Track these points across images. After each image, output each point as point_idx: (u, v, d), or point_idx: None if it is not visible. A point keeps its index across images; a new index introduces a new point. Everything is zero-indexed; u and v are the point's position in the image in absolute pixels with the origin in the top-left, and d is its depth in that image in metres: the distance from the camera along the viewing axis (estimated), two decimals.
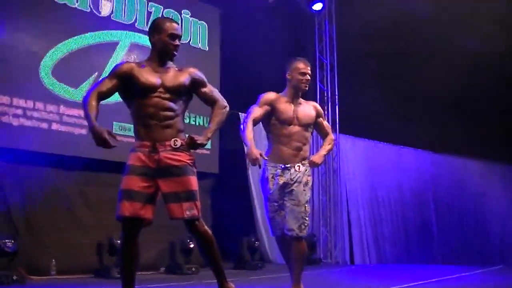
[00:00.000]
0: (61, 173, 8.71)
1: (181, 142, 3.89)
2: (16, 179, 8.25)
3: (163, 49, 4.00)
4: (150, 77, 3.90)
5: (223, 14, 11.44)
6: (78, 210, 8.82)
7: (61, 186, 8.68)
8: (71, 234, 8.61)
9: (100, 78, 4.04)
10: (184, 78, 4.00)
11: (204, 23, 11.13)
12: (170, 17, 4.26)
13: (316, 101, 12.44)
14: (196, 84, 4.08)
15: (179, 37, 4.05)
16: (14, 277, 7.00)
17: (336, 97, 13.36)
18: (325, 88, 13.36)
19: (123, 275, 3.92)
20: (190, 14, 10.85)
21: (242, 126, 4.83)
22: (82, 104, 3.87)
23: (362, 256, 13.23)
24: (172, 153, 3.84)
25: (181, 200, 3.79)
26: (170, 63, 4.08)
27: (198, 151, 10.24)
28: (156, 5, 10.24)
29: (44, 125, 8.49)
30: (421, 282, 7.26)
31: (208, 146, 10.57)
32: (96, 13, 9.38)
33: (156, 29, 4.04)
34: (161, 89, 3.88)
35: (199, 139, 3.89)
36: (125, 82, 3.92)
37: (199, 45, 10.98)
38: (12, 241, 7.21)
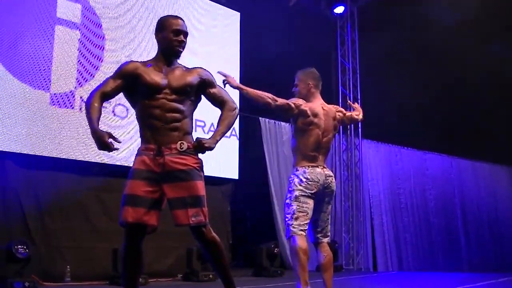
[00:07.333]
0: (77, 178, 8.61)
1: (188, 145, 3.71)
2: (31, 185, 8.19)
3: (168, 46, 3.84)
4: (155, 76, 3.74)
5: (243, 17, 11.30)
6: (93, 216, 8.75)
7: (77, 192, 8.60)
8: (87, 241, 8.55)
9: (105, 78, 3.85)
10: (191, 78, 3.82)
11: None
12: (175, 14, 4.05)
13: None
14: (204, 85, 3.90)
15: (184, 33, 3.87)
16: (27, 284, 6.92)
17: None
18: (348, 92, 13.17)
19: (124, 283, 3.74)
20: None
21: None
22: (84, 106, 3.73)
23: (385, 263, 13.01)
24: (178, 156, 3.66)
25: (187, 206, 3.60)
26: (177, 63, 3.92)
27: (219, 156, 10.18)
28: None
29: None
30: None
31: (228, 151, 10.43)
32: None
33: (160, 27, 3.89)
34: (166, 90, 3.72)
35: (207, 142, 3.70)
36: (130, 82, 3.77)
37: None
38: (25, 247, 7.10)
